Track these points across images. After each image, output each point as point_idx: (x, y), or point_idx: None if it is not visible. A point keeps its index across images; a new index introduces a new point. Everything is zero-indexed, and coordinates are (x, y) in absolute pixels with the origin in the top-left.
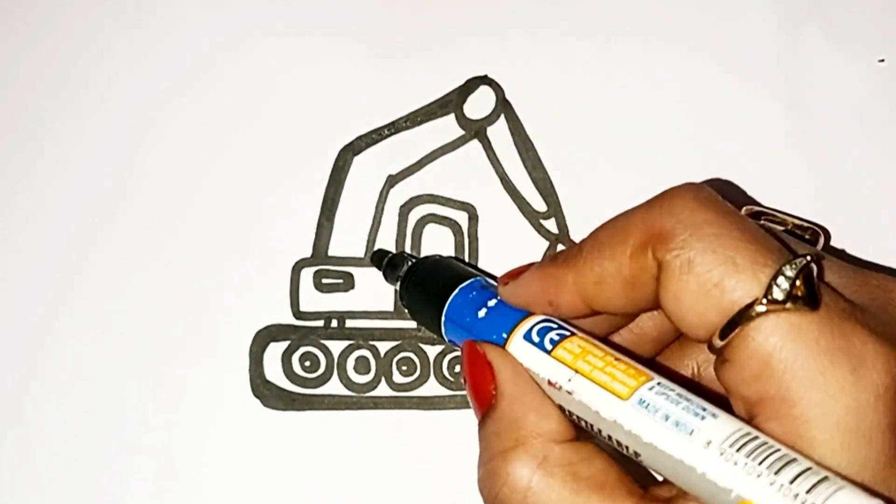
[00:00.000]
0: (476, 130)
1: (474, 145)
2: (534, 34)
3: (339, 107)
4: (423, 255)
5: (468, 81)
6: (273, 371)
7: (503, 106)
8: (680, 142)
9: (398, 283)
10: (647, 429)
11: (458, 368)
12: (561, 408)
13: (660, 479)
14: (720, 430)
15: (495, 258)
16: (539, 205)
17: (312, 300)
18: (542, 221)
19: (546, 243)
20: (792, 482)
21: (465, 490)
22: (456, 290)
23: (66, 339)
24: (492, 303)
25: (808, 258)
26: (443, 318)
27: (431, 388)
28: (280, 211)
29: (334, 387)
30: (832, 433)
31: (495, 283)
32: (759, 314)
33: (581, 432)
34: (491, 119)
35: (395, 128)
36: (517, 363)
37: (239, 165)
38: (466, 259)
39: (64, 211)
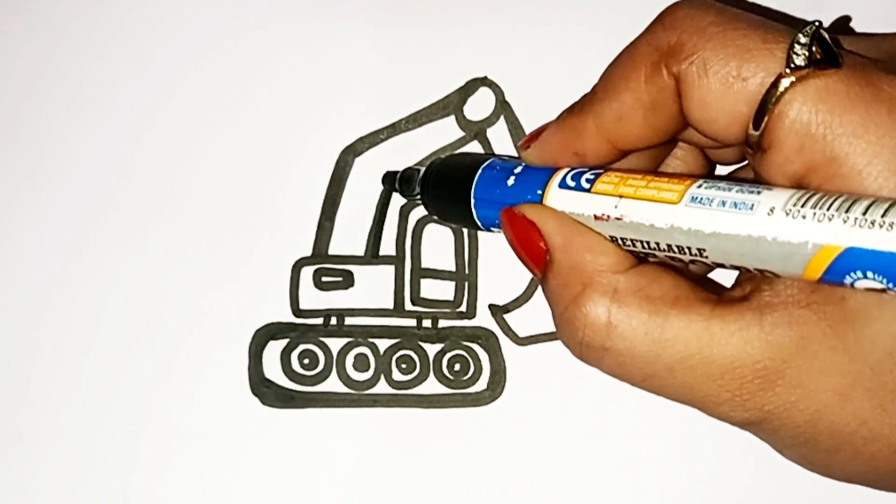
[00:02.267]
0: (476, 132)
1: (474, 147)
2: (534, 35)
3: (341, 108)
4: (422, 252)
5: (468, 83)
6: (272, 369)
7: (503, 107)
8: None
9: (418, 192)
10: (707, 220)
11: (457, 366)
12: (614, 240)
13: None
14: (779, 197)
15: (495, 257)
16: None
17: (312, 298)
18: None
19: None
20: (864, 213)
21: (465, 488)
22: (479, 172)
23: (64, 337)
24: (518, 170)
25: (818, 23)
26: (472, 203)
27: (431, 385)
28: (281, 211)
29: (333, 384)
30: (886, 175)
31: (515, 157)
32: (786, 88)
33: (642, 260)
34: (491, 120)
35: (395, 129)
36: (558, 212)
37: (240, 165)
38: (466, 259)
39: (62, 209)
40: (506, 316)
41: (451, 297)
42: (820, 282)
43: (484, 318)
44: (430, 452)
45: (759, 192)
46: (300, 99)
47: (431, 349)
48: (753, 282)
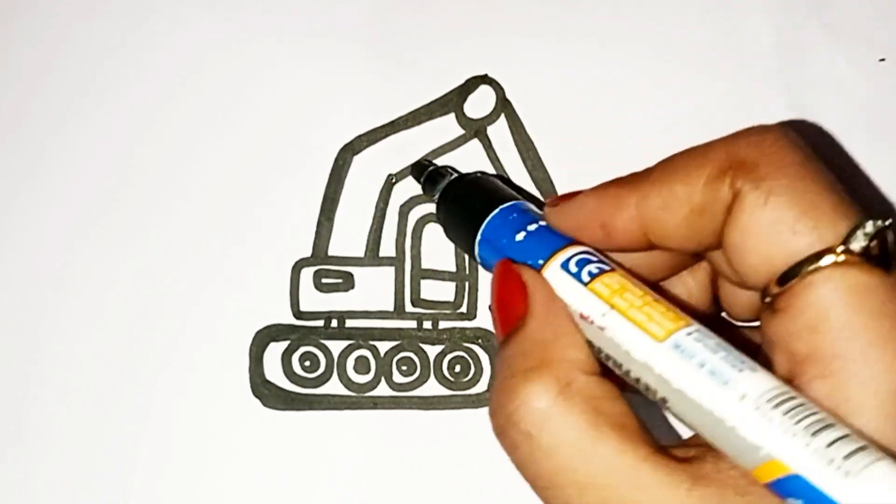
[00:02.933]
0: (476, 130)
1: (474, 145)
2: (534, 34)
3: (340, 106)
4: (422, 252)
5: (468, 81)
6: (273, 371)
7: (503, 105)
8: (679, 141)
9: (436, 198)
10: (680, 374)
11: (458, 368)
12: (590, 344)
13: (684, 437)
14: (757, 385)
15: None
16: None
17: (312, 300)
18: None
19: None
20: (829, 446)
21: (465, 490)
22: (496, 210)
23: (65, 339)
24: (532, 227)
25: (889, 221)
26: (479, 237)
27: (431, 387)
28: (280, 210)
29: (334, 387)
30: (882, 400)
31: (538, 210)
32: (829, 264)
33: (606, 374)
34: (491, 118)
35: (395, 127)
36: (552, 289)
37: (238, 165)
38: (466, 260)
39: (63, 210)
40: None
41: (451, 298)
42: (766, 487)
43: (484, 320)
44: (431, 454)
45: (741, 370)
46: (299, 97)
47: (432, 351)
48: (703, 448)
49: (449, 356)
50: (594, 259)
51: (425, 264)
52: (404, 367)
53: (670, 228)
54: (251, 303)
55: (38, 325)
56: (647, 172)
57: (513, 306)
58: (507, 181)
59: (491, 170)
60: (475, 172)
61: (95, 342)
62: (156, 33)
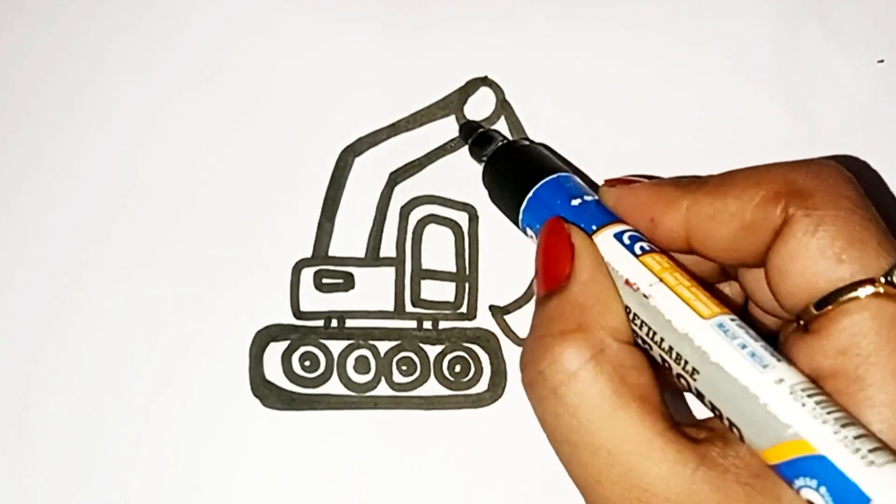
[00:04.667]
0: None
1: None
2: (534, 35)
3: (341, 108)
4: (423, 253)
5: (468, 83)
6: (273, 371)
7: (503, 107)
8: (679, 142)
9: (486, 157)
10: (720, 349)
11: (458, 368)
12: (628, 312)
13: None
14: (794, 376)
15: (495, 259)
16: None
17: (312, 300)
18: None
19: None
20: (856, 438)
21: (465, 490)
22: (553, 175)
23: (66, 338)
24: (588, 198)
25: None
26: (530, 195)
27: (431, 387)
28: (281, 211)
29: (334, 386)
30: (890, 426)
31: (591, 191)
32: (867, 295)
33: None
34: (491, 120)
35: (396, 129)
36: (599, 254)
37: (240, 166)
38: (466, 260)
39: (65, 211)
40: (506, 317)
41: (451, 298)
42: (773, 468)
43: (484, 320)
44: (431, 454)
45: (779, 360)
46: (300, 99)
47: (432, 351)
48: (714, 431)
49: (449, 356)
50: (646, 239)
51: (425, 265)
52: (404, 367)
53: (715, 239)
54: (251, 303)
55: (38, 324)
56: (705, 180)
57: (558, 266)
58: (557, 155)
59: None
60: (525, 139)
61: (95, 342)
62: (158, 34)
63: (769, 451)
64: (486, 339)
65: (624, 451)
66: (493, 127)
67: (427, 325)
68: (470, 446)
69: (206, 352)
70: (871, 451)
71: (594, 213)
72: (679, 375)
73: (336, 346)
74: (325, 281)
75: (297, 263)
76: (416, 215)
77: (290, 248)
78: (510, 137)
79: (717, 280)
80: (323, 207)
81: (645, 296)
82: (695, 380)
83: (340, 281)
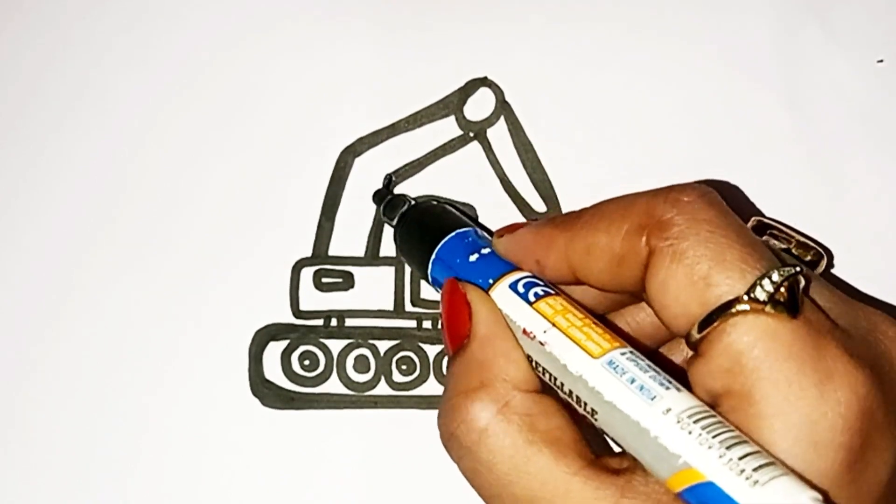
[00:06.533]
0: (476, 132)
1: (474, 147)
2: (534, 35)
3: (341, 108)
4: None
5: (468, 83)
6: (272, 370)
7: (503, 107)
8: (679, 142)
9: (395, 221)
10: (611, 388)
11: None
12: (530, 360)
13: (616, 450)
14: (681, 402)
15: None
16: (539, 206)
17: (312, 299)
18: None
19: None
20: (741, 459)
21: (465, 490)
22: (452, 233)
23: (65, 338)
24: (485, 251)
25: (798, 269)
26: (433, 256)
27: (431, 387)
28: (281, 211)
29: (334, 386)
30: (783, 436)
31: (489, 238)
32: (739, 312)
33: (545, 389)
34: (491, 121)
35: (395, 129)
36: (496, 308)
37: (241, 166)
38: None
39: (63, 210)
40: None
41: None
42: (678, 496)
43: None
44: (431, 453)
45: (667, 388)
46: (300, 100)
47: (432, 350)
48: (635, 461)
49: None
50: (541, 283)
51: None
52: (404, 367)
53: (595, 272)
54: (251, 302)
55: (37, 324)
56: (578, 215)
57: (458, 325)
58: (462, 210)
59: (490, 171)
60: (431, 199)
61: (95, 341)
62: (157, 35)
63: (670, 481)
64: None
65: (544, 497)
66: (496, 125)
67: (427, 324)
68: None
69: (206, 351)
70: (755, 469)
71: (491, 265)
72: (583, 415)
73: (336, 346)
74: (324, 280)
75: (296, 263)
76: None
77: (290, 248)
78: (422, 197)
79: (629, 303)
80: (323, 207)
81: (541, 343)
82: (595, 419)
83: (340, 280)
